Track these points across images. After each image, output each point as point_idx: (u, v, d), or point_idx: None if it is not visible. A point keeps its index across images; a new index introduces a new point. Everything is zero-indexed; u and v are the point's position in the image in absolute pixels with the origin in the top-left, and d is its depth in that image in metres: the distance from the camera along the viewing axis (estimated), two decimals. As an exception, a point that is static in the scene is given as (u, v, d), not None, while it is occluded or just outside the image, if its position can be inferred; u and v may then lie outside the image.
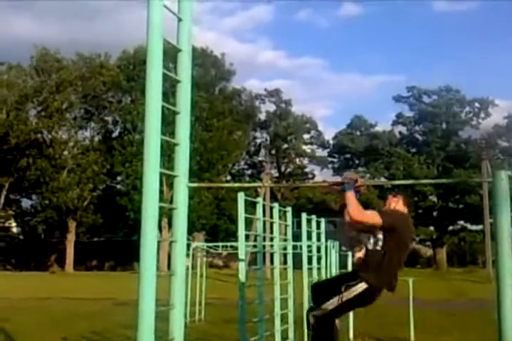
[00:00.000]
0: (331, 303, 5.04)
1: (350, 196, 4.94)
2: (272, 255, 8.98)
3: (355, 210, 4.94)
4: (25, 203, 62.45)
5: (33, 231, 62.95)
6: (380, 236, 5.12)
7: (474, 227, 60.28)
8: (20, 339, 12.38)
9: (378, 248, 5.10)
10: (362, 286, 5.02)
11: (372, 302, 5.29)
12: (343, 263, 12.82)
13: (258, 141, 68.87)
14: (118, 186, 60.43)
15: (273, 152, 67.58)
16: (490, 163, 47.21)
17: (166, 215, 35.12)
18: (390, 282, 5.14)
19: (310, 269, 10.34)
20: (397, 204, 5.39)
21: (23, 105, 55.72)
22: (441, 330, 13.62)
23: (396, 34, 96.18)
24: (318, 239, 10.99)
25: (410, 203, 5.64)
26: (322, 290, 5.32)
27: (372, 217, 5.08)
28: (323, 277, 11.33)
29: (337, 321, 5.23)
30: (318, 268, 11.02)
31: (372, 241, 5.15)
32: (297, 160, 69.85)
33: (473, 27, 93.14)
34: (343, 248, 17.51)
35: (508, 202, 3.38)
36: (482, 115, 62.91)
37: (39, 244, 62.28)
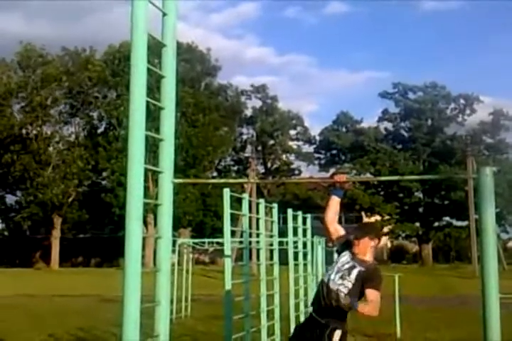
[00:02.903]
0: None
1: (335, 200, 5.17)
2: (258, 251, 8.98)
3: (327, 214, 5.19)
4: (10, 199, 62.08)
5: (18, 227, 62.57)
6: (349, 283, 5.01)
7: (460, 223, 60.55)
8: (6, 336, 12.31)
9: (342, 295, 5.04)
10: (338, 334, 5.02)
11: None
12: (329, 259, 12.84)
13: (244, 137, 68.86)
14: (103, 182, 60.19)
15: (259, 148, 67.53)
16: (475, 160, 47.46)
17: (152, 211, 35.11)
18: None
19: (296, 265, 10.36)
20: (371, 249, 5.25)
21: (7, 100, 55.37)
22: (427, 326, 13.69)
23: (382, 31, 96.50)
24: (304, 234, 11.02)
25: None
26: None
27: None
28: (309, 272, 11.36)
29: None
30: (305, 264, 11.05)
31: (339, 281, 5.07)
32: (283, 156, 69.85)
33: (459, 24, 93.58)
34: (329, 244, 17.57)
35: (492, 198, 3.39)
36: (467, 111, 63.14)
37: (24, 240, 61.96)
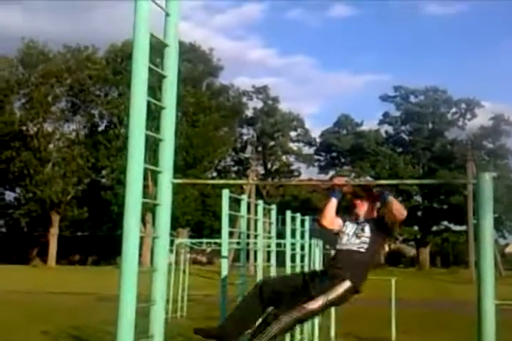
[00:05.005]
0: (314, 303, 4.65)
1: (333, 203, 5.12)
2: (255, 252, 8.96)
3: (325, 217, 5.10)
4: (9, 196, 62.12)
5: (16, 224, 62.57)
6: (366, 238, 5.03)
7: (458, 228, 60.58)
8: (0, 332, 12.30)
9: (363, 250, 5.00)
10: (346, 284, 4.78)
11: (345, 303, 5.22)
12: (326, 262, 12.80)
13: (245, 137, 68.85)
14: (103, 180, 60.13)
15: (259, 149, 67.50)
16: (475, 165, 47.43)
17: (151, 210, 35.04)
18: (363, 284, 5.00)
19: (293, 267, 10.34)
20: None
21: (8, 97, 55.34)
22: (422, 330, 13.69)
23: (385, 34, 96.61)
24: (303, 237, 10.99)
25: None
26: (284, 290, 4.94)
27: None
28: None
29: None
30: (302, 266, 11.02)
31: (356, 241, 5.05)
32: (283, 157, 69.86)
33: (461, 29, 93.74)
34: (327, 246, 17.53)
35: (491, 204, 3.38)
36: (468, 116, 63.15)
37: (22, 237, 61.92)
